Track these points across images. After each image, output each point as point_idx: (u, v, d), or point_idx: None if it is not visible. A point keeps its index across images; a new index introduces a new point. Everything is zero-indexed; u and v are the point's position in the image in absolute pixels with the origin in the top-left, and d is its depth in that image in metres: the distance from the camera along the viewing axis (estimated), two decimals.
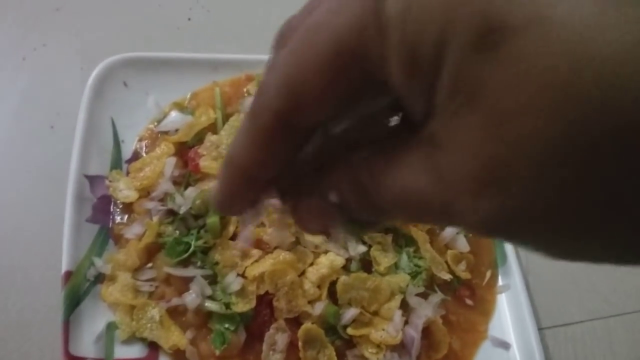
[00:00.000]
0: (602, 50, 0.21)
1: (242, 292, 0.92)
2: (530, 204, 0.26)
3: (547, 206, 0.26)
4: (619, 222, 0.25)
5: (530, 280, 1.12)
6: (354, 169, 0.34)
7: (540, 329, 1.06)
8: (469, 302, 1.04)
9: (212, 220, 0.95)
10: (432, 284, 1.01)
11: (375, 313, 0.96)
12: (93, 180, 1.00)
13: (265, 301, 0.93)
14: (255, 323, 0.92)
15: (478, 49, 0.24)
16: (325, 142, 0.38)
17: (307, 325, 0.90)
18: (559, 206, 0.25)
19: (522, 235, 0.29)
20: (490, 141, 0.25)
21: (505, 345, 1.01)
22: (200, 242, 0.95)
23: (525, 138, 0.24)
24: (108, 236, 0.98)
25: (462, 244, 1.06)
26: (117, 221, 1.00)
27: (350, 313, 0.93)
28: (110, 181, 1.01)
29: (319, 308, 0.91)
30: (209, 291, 0.92)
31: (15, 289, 0.96)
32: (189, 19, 1.29)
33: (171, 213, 0.98)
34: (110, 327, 0.91)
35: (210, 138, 1.04)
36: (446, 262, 1.03)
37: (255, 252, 0.94)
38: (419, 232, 1.00)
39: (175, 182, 1.01)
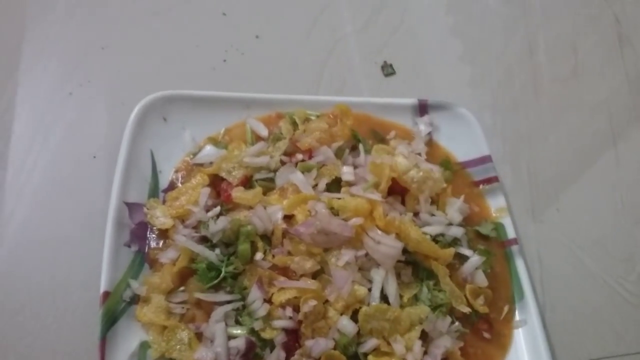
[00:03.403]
0: None
1: (268, 318, 0.96)
2: None
3: None
4: None
5: (547, 317, 1.15)
6: None
7: None
8: (486, 335, 1.07)
9: (243, 247, 1.00)
10: (451, 316, 1.04)
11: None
12: (132, 207, 1.06)
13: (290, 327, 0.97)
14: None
15: None
16: None
17: (329, 351, 0.94)
18: None
19: None
20: None
21: None
22: (230, 268, 1.00)
23: None
24: (144, 260, 1.04)
25: (481, 279, 1.10)
26: (152, 246, 1.06)
27: (371, 343, 0.96)
28: (147, 209, 1.07)
29: (342, 324, 0.96)
30: (231, 320, 0.97)
31: (55, 307, 1.02)
32: (224, 61, 1.37)
33: (204, 240, 1.03)
34: (144, 346, 0.96)
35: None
36: (465, 296, 1.06)
37: (283, 280, 0.98)
38: (439, 266, 1.04)
39: (209, 211, 1.07)
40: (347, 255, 1.00)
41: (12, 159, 1.15)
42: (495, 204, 1.22)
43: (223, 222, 1.02)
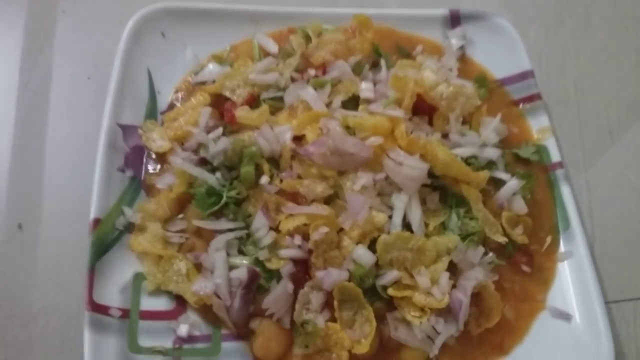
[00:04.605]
0: None
1: (274, 247, 0.86)
2: None
3: None
4: None
5: (597, 249, 1.02)
6: None
7: (606, 303, 0.95)
8: (525, 269, 0.95)
9: (246, 169, 0.89)
10: (484, 247, 0.92)
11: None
12: (126, 129, 0.96)
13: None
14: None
15: None
16: None
17: (343, 283, 0.83)
18: None
19: None
20: None
21: (565, 317, 0.91)
22: (233, 193, 0.89)
23: None
24: (140, 186, 0.95)
25: (520, 206, 0.97)
26: (149, 171, 0.97)
27: (391, 275, 0.85)
28: (144, 131, 0.97)
29: (357, 253, 0.85)
30: (234, 250, 0.88)
31: (44, 237, 0.95)
32: None
33: (205, 163, 0.93)
34: (138, 277, 0.88)
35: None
36: (501, 225, 0.94)
37: (291, 205, 0.88)
38: (471, 190, 0.91)
39: (210, 133, 0.96)
40: (364, 178, 0.89)
41: (2, 80, 1.07)
42: (537, 125, 1.08)
43: (224, 143, 0.92)
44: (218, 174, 0.91)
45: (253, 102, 1.00)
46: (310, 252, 0.85)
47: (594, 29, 1.27)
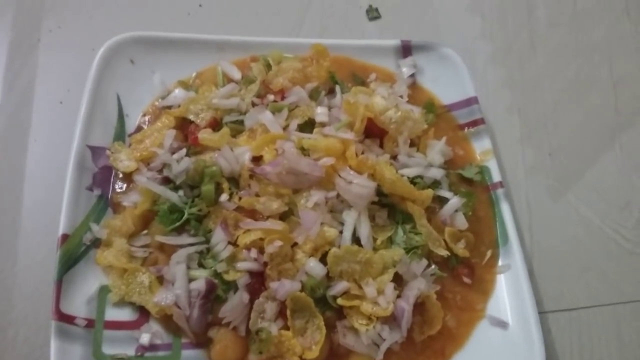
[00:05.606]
0: None
1: (232, 260, 0.92)
2: None
3: None
4: None
5: (535, 264, 1.10)
6: None
7: (542, 312, 1.03)
8: (466, 280, 1.02)
9: (207, 188, 0.96)
10: (428, 260, 0.99)
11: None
12: (95, 150, 1.02)
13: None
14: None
15: None
16: None
17: (296, 293, 0.90)
18: None
19: None
20: None
21: (503, 325, 0.98)
22: (194, 210, 0.96)
23: None
24: (107, 204, 1.01)
25: (461, 222, 1.04)
26: (116, 190, 1.02)
27: (341, 286, 0.92)
28: (112, 152, 1.03)
29: (309, 266, 0.91)
30: (194, 263, 0.94)
31: (15, 251, 1.00)
32: (200, 5, 1.32)
33: (168, 181, 0.99)
34: (103, 290, 0.93)
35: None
36: (444, 239, 1.01)
37: (248, 221, 0.94)
38: (414, 207, 0.98)
39: (174, 154, 1.02)
40: (316, 195, 0.96)
41: None
42: (480, 147, 1.16)
43: (186, 163, 0.98)
44: (181, 192, 0.97)
45: (215, 125, 1.07)
46: (265, 264, 0.92)
47: (537, 58, 1.36)
